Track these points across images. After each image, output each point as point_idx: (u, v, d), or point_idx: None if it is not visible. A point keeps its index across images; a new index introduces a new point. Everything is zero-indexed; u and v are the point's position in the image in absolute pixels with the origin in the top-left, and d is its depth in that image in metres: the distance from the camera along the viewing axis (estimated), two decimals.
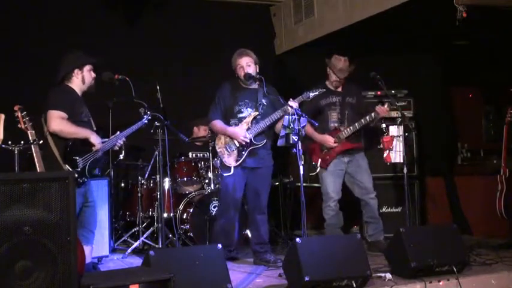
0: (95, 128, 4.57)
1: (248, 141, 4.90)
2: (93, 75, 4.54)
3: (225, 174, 4.95)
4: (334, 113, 5.37)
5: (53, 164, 4.21)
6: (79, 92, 4.49)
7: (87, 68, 4.50)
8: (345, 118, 5.37)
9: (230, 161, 4.93)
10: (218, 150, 5.00)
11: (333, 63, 5.39)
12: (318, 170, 5.32)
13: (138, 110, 4.71)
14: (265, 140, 4.97)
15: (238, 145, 4.92)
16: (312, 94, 4.80)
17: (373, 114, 5.21)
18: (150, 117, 4.70)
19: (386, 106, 5.26)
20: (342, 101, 5.40)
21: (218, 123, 5.00)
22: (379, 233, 5.38)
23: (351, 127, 5.28)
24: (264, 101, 5.01)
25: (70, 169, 4.20)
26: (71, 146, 4.28)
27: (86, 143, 4.37)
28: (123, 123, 4.97)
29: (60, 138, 4.29)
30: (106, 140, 4.55)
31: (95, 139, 4.40)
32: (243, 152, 4.92)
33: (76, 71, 4.45)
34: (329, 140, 5.29)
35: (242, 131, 4.90)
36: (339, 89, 5.45)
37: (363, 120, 5.24)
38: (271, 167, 5.11)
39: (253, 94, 5.03)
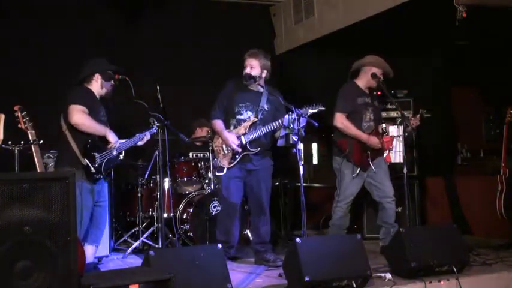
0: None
1: (239, 150, 4.89)
2: (112, 83, 4.68)
3: (217, 174, 5.01)
4: (368, 114, 5.22)
5: (71, 158, 4.34)
6: (96, 95, 4.64)
7: None
8: (373, 121, 5.24)
9: (224, 161, 4.98)
10: (215, 149, 5.06)
11: (377, 62, 5.22)
12: (357, 171, 5.12)
13: (149, 120, 4.70)
14: (259, 148, 4.93)
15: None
16: (310, 111, 4.69)
17: (410, 127, 5.09)
18: (157, 128, 4.67)
19: (418, 116, 5.17)
20: (371, 102, 5.28)
21: (218, 124, 5.01)
22: (388, 239, 5.10)
23: (388, 133, 5.12)
24: (265, 107, 4.97)
25: (89, 163, 4.35)
26: (90, 143, 4.41)
27: (103, 141, 4.50)
28: (124, 123, 4.97)
29: (78, 132, 4.38)
30: (123, 140, 4.63)
31: (112, 137, 4.53)
32: (237, 156, 4.92)
33: (96, 75, 4.60)
34: (375, 141, 5.12)
35: (235, 139, 4.89)
36: (367, 91, 5.28)
37: (403, 132, 5.10)
38: (270, 168, 5.08)
39: (256, 97, 4.98)
